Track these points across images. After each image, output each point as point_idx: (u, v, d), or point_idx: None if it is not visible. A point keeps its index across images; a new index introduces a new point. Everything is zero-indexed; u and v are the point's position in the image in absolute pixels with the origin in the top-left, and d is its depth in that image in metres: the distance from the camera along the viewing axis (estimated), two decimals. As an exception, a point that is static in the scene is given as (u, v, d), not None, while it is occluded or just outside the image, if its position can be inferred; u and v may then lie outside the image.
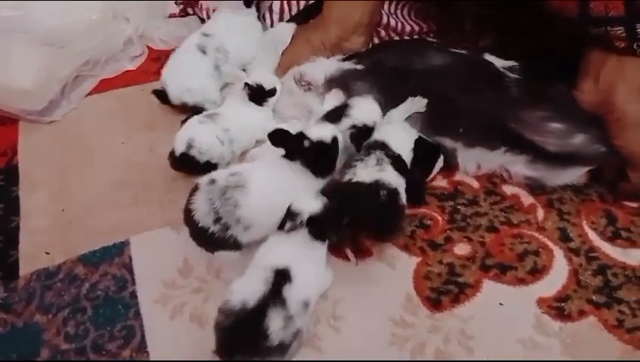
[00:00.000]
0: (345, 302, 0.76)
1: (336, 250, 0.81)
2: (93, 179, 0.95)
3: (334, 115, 0.87)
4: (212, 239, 0.76)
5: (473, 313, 0.74)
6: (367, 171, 0.80)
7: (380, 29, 1.13)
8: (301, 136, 0.80)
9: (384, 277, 0.79)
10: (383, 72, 0.95)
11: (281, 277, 0.68)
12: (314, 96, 0.96)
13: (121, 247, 0.83)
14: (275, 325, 0.65)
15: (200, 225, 0.76)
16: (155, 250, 0.83)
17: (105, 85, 1.13)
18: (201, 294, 0.78)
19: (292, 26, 1.05)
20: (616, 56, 0.82)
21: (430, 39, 1.11)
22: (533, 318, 0.74)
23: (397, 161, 0.83)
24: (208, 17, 1.18)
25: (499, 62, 0.93)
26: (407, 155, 0.86)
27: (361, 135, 0.85)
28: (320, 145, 0.80)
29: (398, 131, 0.88)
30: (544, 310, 0.74)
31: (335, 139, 0.81)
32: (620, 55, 0.82)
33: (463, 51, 0.94)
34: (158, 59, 1.18)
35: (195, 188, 0.78)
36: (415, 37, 1.13)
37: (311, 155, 0.80)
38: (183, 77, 1.01)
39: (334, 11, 1.01)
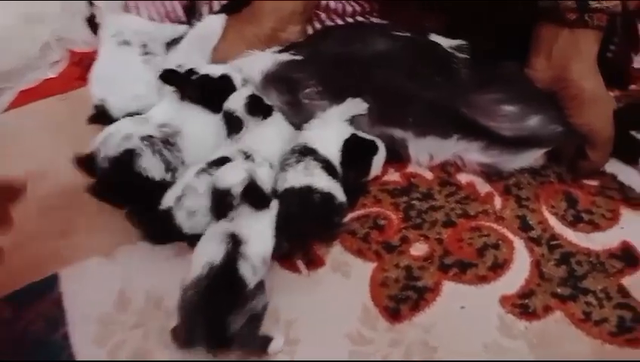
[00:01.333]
0: (298, 324, 0.70)
1: (285, 262, 0.75)
2: (16, 208, 0.86)
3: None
4: (162, 187, 0.78)
5: (434, 320, 0.70)
6: (295, 177, 0.76)
7: (319, 12, 1.05)
8: (190, 72, 0.86)
9: (339, 288, 0.74)
10: (324, 61, 0.89)
11: (236, 238, 0.68)
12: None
13: (51, 283, 0.76)
14: (247, 271, 0.66)
15: (157, 178, 0.78)
16: (87, 282, 0.76)
17: (24, 98, 1.03)
18: (141, 329, 0.71)
19: (222, 18, 0.97)
20: (567, 30, 0.78)
21: (373, 20, 1.03)
22: (498, 319, 0.69)
23: (327, 166, 0.78)
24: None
25: (446, 42, 0.87)
26: (336, 157, 0.81)
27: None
28: (206, 79, 0.86)
29: (326, 134, 0.82)
30: (508, 309, 0.70)
31: (226, 77, 0.86)
32: (572, 28, 0.77)
33: (407, 34, 0.88)
34: (80, 62, 1.09)
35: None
36: (358, 17, 1.05)
37: (198, 89, 0.85)
38: (124, 84, 0.92)
39: (266, 1, 0.93)
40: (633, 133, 0.84)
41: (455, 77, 0.85)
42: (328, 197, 0.75)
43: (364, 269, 0.75)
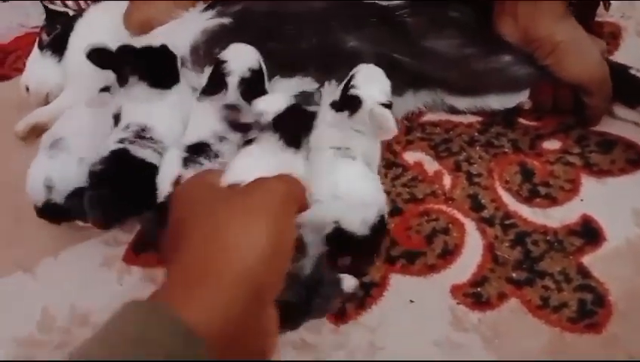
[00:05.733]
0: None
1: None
2: None
3: (213, 84, 0.73)
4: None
5: (381, 318, 0.64)
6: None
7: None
8: (127, 47, 0.74)
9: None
10: (254, 22, 0.81)
11: None
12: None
13: (-34, 304, 0.70)
14: None
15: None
16: (6, 301, 0.70)
17: None
18: (66, 349, 0.65)
19: None
20: None
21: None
22: (449, 312, 0.64)
23: None
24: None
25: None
26: None
27: (252, 84, 0.72)
28: (149, 50, 0.74)
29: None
30: (459, 300, 0.65)
31: (166, 47, 0.75)
32: None
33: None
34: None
35: None
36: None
37: (142, 64, 0.73)
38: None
39: None
40: (633, 71, 0.78)
41: (402, 27, 0.79)
42: None
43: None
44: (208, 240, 0.43)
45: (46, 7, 0.89)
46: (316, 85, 0.77)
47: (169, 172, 0.67)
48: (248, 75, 0.72)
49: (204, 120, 0.71)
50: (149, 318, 0.38)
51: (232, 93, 0.71)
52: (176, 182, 0.65)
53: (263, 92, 0.73)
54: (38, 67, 0.86)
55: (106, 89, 0.78)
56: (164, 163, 0.69)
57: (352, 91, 0.69)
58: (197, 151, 0.69)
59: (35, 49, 0.87)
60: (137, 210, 0.69)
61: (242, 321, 0.40)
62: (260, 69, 0.74)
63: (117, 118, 0.73)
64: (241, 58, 0.73)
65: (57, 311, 0.68)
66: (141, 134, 0.71)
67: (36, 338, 0.66)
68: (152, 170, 0.69)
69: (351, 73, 0.72)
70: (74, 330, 0.66)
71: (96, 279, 0.70)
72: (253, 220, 0.43)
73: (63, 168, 0.71)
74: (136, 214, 0.70)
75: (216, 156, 0.69)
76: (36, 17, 0.99)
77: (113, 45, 0.73)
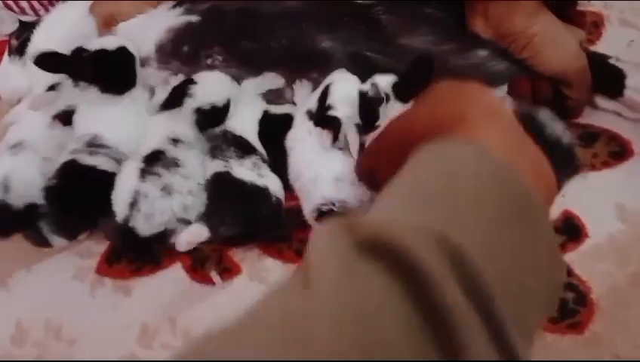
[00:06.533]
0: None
1: (196, 274, 0.68)
2: None
3: (172, 99, 0.72)
4: None
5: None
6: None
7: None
8: (79, 50, 0.73)
9: (255, 298, 0.66)
10: (224, 20, 0.79)
11: None
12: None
13: (-60, 321, 0.69)
14: None
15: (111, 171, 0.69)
16: (-21, 317, 0.69)
17: None
18: (41, 363, 0.65)
19: None
20: None
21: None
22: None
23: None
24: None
25: None
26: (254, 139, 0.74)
27: (208, 119, 0.72)
28: (101, 54, 0.73)
29: (244, 114, 0.75)
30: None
31: (123, 49, 0.74)
32: None
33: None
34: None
35: None
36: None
37: (92, 67, 0.72)
38: None
39: None
40: (612, 61, 0.77)
41: (376, 25, 0.77)
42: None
43: (283, 272, 0.68)
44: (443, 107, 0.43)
45: (19, 20, 0.88)
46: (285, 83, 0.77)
47: (125, 188, 0.66)
48: (207, 108, 0.71)
49: (156, 126, 0.71)
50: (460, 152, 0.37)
51: (185, 114, 0.71)
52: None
53: (218, 124, 0.73)
54: (8, 73, 0.84)
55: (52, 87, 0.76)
56: (119, 178, 0.68)
57: (331, 112, 0.68)
58: (153, 160, 0.68)
59: (5, 56, 0.86)
60: (95, 218, 0.69)
61: (518, 149, 0.39)
62: (225, 106, 0.73)
63: (66, 116, 0.73)
64: (211, 89, 0.73)
65: (31, 324, 0.67)
66: (92, 142, 0.70)
67: (11, 352, 0.65)
68: (105, 176, 0.68)
69: (326, 82, 0.72)
70: (48, 343, 0.65)
71: (69, 292, 0.69)
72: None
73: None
74: (95, 221, 0.70)
75: (176, 165, 0.68)
76: (10, 25, 0.98)
77: (73, 45, 0.73)
